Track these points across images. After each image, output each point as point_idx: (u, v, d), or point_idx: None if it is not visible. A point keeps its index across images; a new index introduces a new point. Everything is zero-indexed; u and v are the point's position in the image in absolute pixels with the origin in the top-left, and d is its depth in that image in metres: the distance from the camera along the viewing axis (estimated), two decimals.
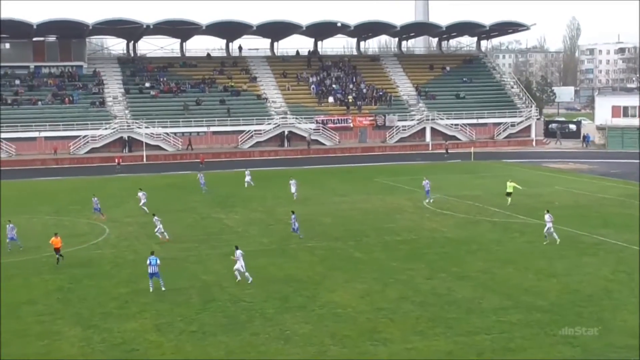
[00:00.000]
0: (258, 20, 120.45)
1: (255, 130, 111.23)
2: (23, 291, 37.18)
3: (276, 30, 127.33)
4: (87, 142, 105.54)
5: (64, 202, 62.61)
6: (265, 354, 28.76)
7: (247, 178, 74.09)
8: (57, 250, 42.57)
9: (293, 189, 65.75)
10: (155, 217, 49.75)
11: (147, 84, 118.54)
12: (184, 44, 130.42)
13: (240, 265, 38.34)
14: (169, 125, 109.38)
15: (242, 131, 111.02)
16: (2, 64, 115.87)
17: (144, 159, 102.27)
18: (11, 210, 58.35)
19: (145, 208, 59.34)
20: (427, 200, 62.56)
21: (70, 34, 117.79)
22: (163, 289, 36.88)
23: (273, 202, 64.50)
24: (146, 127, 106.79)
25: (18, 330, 31.62)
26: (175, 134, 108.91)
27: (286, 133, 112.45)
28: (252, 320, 32.51)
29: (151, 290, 36.79)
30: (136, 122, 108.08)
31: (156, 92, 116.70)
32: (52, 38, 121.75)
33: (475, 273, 39.81)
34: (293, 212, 50.53)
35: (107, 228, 53.65)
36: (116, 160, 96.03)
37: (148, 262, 37.16)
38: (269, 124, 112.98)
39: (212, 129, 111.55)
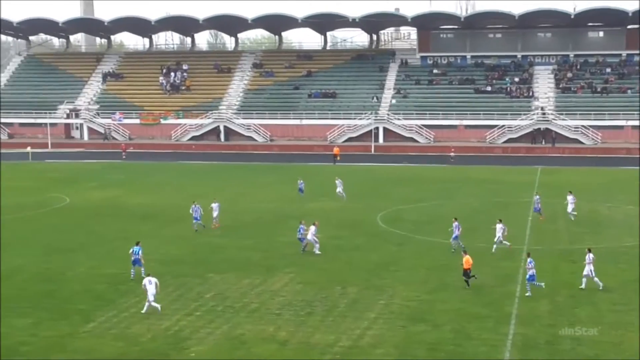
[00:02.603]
0: None
1: None
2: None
3: None
4: None
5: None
6: None
7: None
8: (466, 271, 36.19)
9: None
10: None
11: None
12: None
13: (589, 270, 35.49)
14: None
15: None
16: (594, 52, 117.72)
17: None
18: (591, 197, 59.39)
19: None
20: None
21: None
22: (528, 293, 34.59)
23: None
24: None
25: (592, 316, 31.97)
26: None
27: None
28: None
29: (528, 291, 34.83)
30: None
31: None
32: None
33: None
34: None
35: None
36: None
37: (527, 263, 35.21)
38: None
39: None
